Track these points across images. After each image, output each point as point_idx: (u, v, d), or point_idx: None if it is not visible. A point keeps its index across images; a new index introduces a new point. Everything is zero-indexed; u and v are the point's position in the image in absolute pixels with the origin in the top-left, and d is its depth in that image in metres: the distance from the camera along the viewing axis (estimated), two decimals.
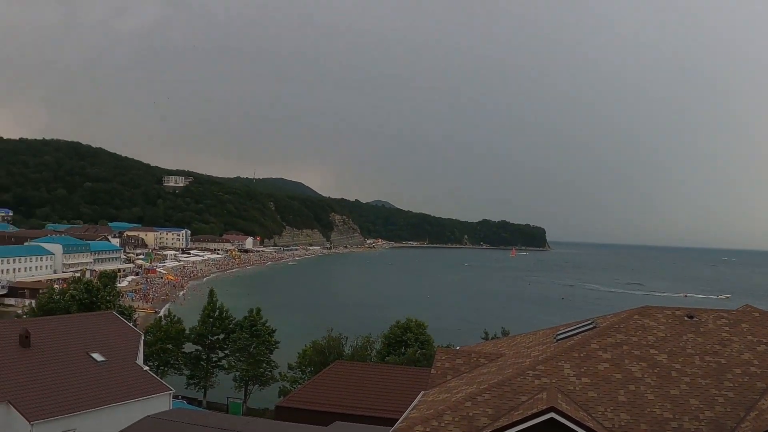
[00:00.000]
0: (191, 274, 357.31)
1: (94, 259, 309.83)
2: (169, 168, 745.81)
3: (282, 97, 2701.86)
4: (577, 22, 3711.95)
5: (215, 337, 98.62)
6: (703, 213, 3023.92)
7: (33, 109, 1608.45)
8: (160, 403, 52.92)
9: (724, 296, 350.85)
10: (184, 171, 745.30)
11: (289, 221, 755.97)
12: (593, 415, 23.29)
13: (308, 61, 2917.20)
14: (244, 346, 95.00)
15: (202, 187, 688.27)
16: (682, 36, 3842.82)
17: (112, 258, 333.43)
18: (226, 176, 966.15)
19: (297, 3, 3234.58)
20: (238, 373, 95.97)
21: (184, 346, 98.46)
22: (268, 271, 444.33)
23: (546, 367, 26.30)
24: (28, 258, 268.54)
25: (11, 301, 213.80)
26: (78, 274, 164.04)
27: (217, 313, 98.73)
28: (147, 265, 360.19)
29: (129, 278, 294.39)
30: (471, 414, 23.95)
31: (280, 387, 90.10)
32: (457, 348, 41.04)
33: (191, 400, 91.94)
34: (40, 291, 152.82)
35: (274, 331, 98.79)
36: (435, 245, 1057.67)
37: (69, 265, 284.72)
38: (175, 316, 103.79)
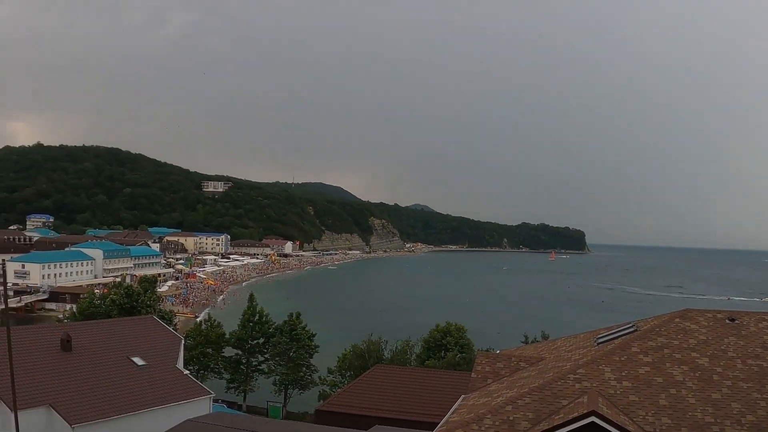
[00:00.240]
0: (231, 279, 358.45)
1: (134, 264, 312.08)
2: (208, 173, 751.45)
3: (320, 102, 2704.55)
4: (605, 39, 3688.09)
5: (255, 342, 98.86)
6: (746, 214, 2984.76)
7: (73, 117, 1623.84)
8: (200, 407, 53.03)
9: (767, 299, 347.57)
10: (223, 176, 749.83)
11: (329, 225, 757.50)
12: (634, 419, 23.14)
13: (347, 66, 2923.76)
14: (284, 350, 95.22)
15: (241, 192, 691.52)
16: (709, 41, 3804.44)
17: (152, 263, 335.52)
18: (265, 181, 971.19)
19: (331, 7, 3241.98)
20: (277, 377, 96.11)
21: (224, 350, 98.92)
22: (307, 275, 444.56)
23: (587, 371, 26.16)
24: (69, 263, 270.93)
25: (52, 305, 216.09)
26: (118, 279, 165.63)
27: (257, 317, 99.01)
28: (187, 269, 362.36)
29: (169, 283, 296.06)
30: (511, 418, 23.90)
31: (319, 391, 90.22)
32: (498, 352, 40.96)
33: (231, 404, 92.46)
34: (81, 296, 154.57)
35: (313, 335, 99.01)
36: (474, 249, 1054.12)
37: (109, 270, 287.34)
38: (215, 320, 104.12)
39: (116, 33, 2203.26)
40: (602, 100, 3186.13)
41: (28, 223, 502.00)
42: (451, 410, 28.20)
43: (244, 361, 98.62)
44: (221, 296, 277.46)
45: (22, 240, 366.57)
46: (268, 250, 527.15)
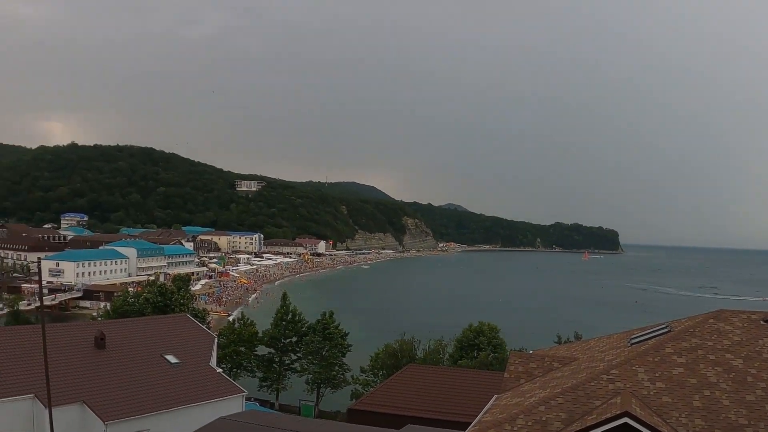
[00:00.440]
0: (264, 278, 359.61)
1: (168, 263, 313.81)
2: (241, 173, 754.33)
3: (353, 102, 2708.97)
4: (676, 27, 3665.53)
5: (288, 340, 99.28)
6: None
7: (107, 117, 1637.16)
8: (233, 405, 53.25)
9: None
10: (256, 176, 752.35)
11: (362, 225, 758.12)
12: (667, 421, 22.99)
13: (378, 66, 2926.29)
14: (317, 349, 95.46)
15: (274, 191, 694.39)
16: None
17: (186, 261, 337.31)
18: (299, 180, 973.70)
19: (366, 7, 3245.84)
20: (310, 376, 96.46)
21: (257, 348, 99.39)
22: (340, 274, 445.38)
23: (620, 372, 26.02)
24: (103, 262, 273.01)
25: (86, 303, 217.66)
26: (152, 278, 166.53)
27: (290, 316, 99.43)
28: (220, 268, 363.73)
29: (202, 281, 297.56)
30: (544, 418, 23.85)
31: (352, 390, 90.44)
32: (531, 352, 40.84)
33: (263, 403, 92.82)
34: (115, 294, 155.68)
35: (346, 335, 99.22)
36: (507, 248, 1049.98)
37: (143, 268, 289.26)
38: (248, 318, 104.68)
39: (149, 34, 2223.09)
40: (649, 97, 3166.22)
41: (62, 221, 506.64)
42: (484, 410, 28.17)
43: (276, 360, 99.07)
44: (254, 295, 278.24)
45: (56, 238, 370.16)
46: (301, 250, 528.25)
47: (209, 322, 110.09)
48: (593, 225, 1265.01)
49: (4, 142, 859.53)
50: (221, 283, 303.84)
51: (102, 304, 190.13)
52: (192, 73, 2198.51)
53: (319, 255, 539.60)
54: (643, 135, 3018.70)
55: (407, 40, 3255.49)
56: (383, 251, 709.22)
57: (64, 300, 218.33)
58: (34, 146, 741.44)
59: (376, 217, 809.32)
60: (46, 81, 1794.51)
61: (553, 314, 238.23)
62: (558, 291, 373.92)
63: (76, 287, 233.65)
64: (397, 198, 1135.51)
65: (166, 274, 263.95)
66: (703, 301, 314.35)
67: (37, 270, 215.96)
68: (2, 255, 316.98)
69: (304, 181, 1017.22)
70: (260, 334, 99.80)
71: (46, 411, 40.72)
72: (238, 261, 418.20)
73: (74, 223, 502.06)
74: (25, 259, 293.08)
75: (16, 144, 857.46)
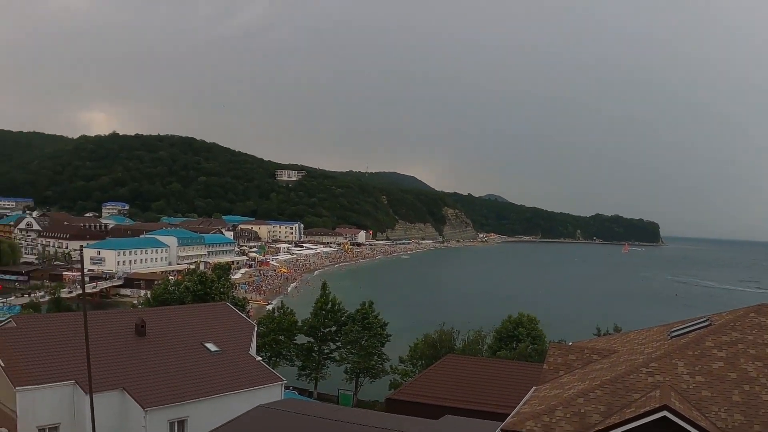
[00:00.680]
0: (303, 267, 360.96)
1: (208, 252, 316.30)
2: (281, 162, 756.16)
3: (394, 91, 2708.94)
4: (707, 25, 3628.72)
5: (327, 330, 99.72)
6: None
7: (148, 107, 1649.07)
8: (272, 393, 53.49)
9: None
10: (296, 165, 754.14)
11: (402, 215, 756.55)
12: (706, 415, 22.83)
13: (422, 58, 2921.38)
14: (356, 339, 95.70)
15: (315, 181, 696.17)
16: None
17: (226, 251, 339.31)
18: (339, 170, 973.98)
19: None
20: (349, 366, 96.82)
21: (296, 337, 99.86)
22: (380, 264, 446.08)
23: (659, 365, 25.84)
24: (144, 250, 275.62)
25: (127, 291, 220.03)
26: (192, 266, 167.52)
27: (329, 305, 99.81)
28: (260, 257, 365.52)
29: (242, 270, 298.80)
30: (583, 410, 23.79)
31: (390, 380, 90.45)
32: (570, 343, 40.71)
33: (302, 391, 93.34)
34: (156, 282, 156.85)
35: (386, 324, 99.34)
36: (547, 240, 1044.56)
37: (183, 257, 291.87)
38: (287, 307, 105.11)
39: (190, 24, 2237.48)
40: (691, 88, 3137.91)
41: (103, 210, 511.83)
42: (522, 401, 28.13)
43: (315, 349, 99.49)
44: (293, 284, 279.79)
45: (97, 227, 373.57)
46: (341, 239, 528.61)
47: (249, 310, 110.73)
48: (634, 217, 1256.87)
49: (46, 132, 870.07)
50: (261, 272, 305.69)
51: (142, 292, 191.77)
52: (232, 64, 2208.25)
53: (359, 245, 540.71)
54: (687, 130, 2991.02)
55: (451, 30, 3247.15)
56: (423, 241, 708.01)
57: (105, 288, 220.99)
58: (75, 136, 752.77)
59: (416, 207, 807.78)
60: (88, 71, 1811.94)
61: (593, 306, 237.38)
62: (597, 283, 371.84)
63: (117, 275, 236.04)
64: (438, 188, 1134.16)
65: (206, 262, 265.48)
66: (744, 295, 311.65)
67: (78, 258, 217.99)
68: (44, 243, 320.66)
69: (344, 170, 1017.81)
70: (299, 323, 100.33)
71: (87, 397, 41.29)
72: (278, 250, 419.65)
73: (115, 212, 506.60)
74: (67, 248, 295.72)
75: (58, 134, 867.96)
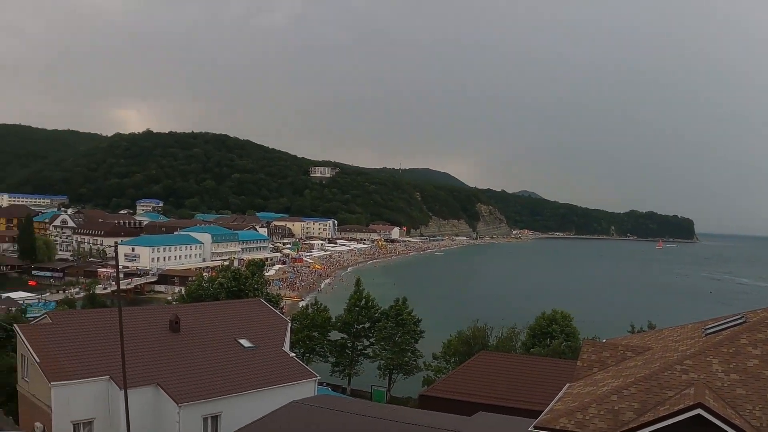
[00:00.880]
0: (337, 264, 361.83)
1: (242, 248, 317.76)
2: (315, 159, 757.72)
3: (427, 89, 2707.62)
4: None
5: (361, 326, 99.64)
6: None
7: (182, 104, 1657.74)
8: (305, 390, 53.41)
9: None
10: (330, 162, 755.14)
11: (435, 211, 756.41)
12: (741, 413, 22.74)
13: (455, 56, 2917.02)
14: (390, 335, 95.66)
15: (348, 177, 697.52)
16: None
17: (260, 247, 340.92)
18: (372, 167, 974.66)
19: None
20: (382, 362, 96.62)
21: (329, 334, 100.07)
22: (413, 261, 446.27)
23: (694, 362, 25.75)
24: (178, 247, 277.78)
25: (161, 288, 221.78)
26: (226, 263, 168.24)
27: (363, 302, 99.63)
28: (294, 254, 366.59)
29: (276, 267, 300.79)
30: (616, 408, 23.77)
31: (424, 376, 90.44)
32: (604, 341, 40.59)
33: (335, 387, 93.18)
34: (190, 279, 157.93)
35: (419, 321, 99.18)
36: (581, 236, 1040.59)
37: (217, 253, 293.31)
38: (321, 304, 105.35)
39: (223, 23, 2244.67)
40: (718, 88, 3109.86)
41: (138, 207, 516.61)
42: (556, 398, 28.09)
43: (349, 345, 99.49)
44: (327, 281, 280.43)
45: (132, 224, 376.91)
46: (374, 236, 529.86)
47: (282, 307, 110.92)
48: (668, 213, 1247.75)
49: (81, 130, 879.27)
50: (295, 269, 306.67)
51: (176, 289, 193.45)
52: (265, 62, 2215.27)
53: (392, 241, 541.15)
54: (722, 130, 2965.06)
55: (482, 27, 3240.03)
56: (457, 238, 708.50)
57: (140, 284, 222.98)
58: (110, 134, 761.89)
59: (449, 203, 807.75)
60: (122, 69, 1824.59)
61: (627, 303, 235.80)
62: (631, 279, 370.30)
63: (151, 272, 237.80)
64: (471, 185, 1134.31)
65: (240, 259, 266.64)
66: None
67: (113, 255, 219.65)
68: (79, 240, 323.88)
69: (378, 167, 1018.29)
70: (333, 320, 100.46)
71: (122, 392, 41.48)
72: (311, 247, 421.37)
73: (149, 209, 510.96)
74: (101, 244, 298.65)
75: (93, 132, 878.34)
